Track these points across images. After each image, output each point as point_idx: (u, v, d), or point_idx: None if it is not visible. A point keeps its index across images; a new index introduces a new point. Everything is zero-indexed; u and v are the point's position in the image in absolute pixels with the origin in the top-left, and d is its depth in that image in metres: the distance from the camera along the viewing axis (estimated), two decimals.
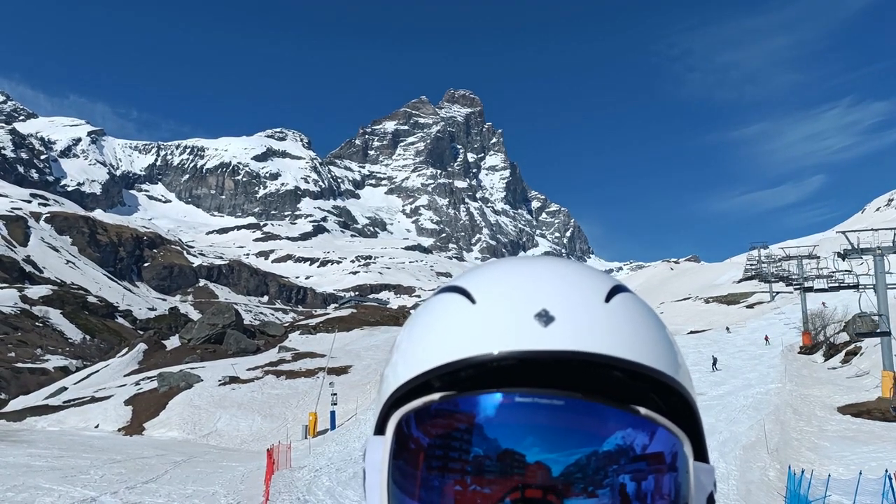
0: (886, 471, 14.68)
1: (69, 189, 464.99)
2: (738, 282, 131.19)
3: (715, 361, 45.94)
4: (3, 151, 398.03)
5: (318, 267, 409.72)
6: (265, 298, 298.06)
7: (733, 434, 25.37)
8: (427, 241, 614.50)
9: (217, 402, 51.23)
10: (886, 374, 33.64)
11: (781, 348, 53.18)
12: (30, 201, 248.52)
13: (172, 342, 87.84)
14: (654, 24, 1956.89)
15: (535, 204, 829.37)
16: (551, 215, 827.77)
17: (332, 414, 42.07)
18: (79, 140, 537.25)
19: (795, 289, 66.35)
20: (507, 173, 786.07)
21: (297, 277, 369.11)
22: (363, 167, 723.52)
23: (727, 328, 71.89)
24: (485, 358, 0.85)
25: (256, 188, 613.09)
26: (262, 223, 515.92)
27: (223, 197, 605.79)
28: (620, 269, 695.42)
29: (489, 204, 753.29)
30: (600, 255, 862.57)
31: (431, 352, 0.89)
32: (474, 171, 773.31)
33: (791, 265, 70.98)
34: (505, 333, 0.86)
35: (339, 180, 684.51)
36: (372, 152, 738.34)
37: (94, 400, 57.88)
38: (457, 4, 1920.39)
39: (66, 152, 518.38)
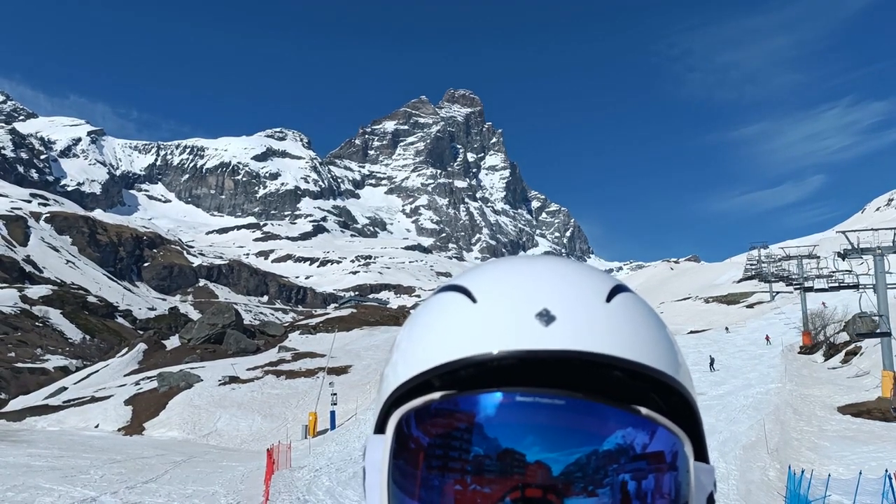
0: (886, 471, 14.67)
1: (69, 189, 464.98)
2: (738, 282, 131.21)
3: (712, 362, 45.96)
4: (3, 151, 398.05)
5: (318, 267, 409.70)
6: (265, 298, 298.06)
7: (733, 434, 25.37)
8: (427, 241, 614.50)
9: (217, 402, 51.24)
10: (886, 373, 33.64)
11: (781, 348, 53.20)
12: (30, 201, 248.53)
13: (172, 342, 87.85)
14: (654, 24, 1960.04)
15: (535, 204, 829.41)
16: (551, 215, 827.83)
17: (332, 414, 42.06)
18: (79, 140, 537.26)
19: (795, 289, 66.35)
20: (507, 173, 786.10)
21: (297, 277, 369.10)
22: (363, 167, 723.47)
23: (726, 328, 71.93)
24: (485, 357, 0.85)
25: (256, 188, 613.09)
26: (261, 223, 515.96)
27: (223, 197, 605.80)
28: (620, 269, 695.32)
29: (489, 204, 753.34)
30: (600, 255, 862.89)
31: (432, 351, 0.89)
32: (474, 170, 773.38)
33: (791, 265, 70.98)
34: (506, 333, 0.86)
35: (339, 180, 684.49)
36: (372, 152, 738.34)
37: (94, 400, 57.88)
38: (457, 4, 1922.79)
39: (66, 152, 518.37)
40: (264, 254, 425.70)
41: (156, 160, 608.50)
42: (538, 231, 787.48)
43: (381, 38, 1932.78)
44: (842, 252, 39.12)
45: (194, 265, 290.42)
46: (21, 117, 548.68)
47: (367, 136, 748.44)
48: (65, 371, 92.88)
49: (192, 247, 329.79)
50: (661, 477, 0.84)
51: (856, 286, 42.77)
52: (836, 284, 51.35)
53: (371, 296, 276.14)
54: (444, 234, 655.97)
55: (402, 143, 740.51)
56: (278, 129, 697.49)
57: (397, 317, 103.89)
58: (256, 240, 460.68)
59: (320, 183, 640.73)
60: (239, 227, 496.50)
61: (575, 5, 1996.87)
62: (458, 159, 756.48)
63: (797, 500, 15.24)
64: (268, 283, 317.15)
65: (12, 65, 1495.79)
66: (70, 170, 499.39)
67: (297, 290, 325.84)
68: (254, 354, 75.07)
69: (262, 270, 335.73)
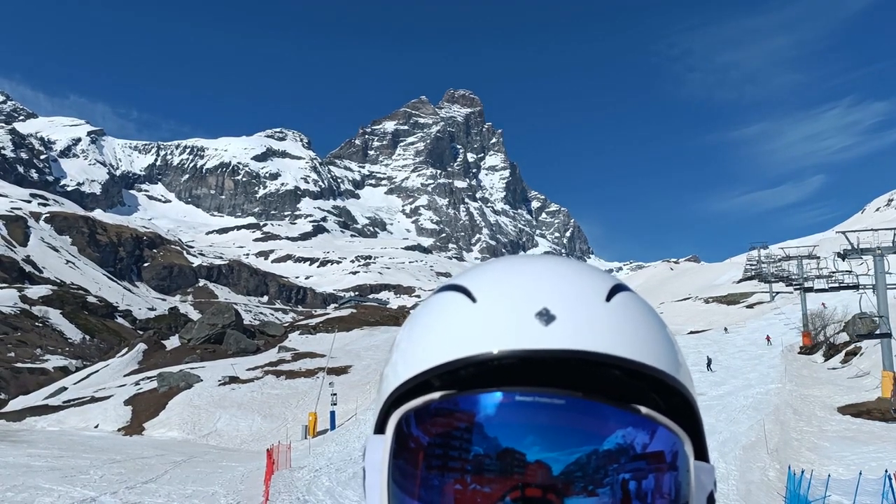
0: (886, 471, 14.67)
1: (69, 189, 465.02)
2: (738, 282, 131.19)
3: (709, 362, 45.96)
4: (3, 151, 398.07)
5: (318, 267, 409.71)
6: (265, 298, 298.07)
7: (733, 434, 25.37)
8: (427, 241, 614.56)
9: (217, 402, 51.23)
10: (886, 374, 33.63)
11: (781, 348, 53.20)
12: (30, 201, 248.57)
13: (172, 342, 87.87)
14: (654, 24, 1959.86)
15: (535, 204, 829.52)
16: (551, 215, 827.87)
17: (332, 414, 42.06)
18: (79, 140, 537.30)
19: (795, 289, 66.32)
20: (506, 173, 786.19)
21: (297, 277, 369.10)
22: (363, 167, 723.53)
23: (725, 328, 71.97)
24: (485, 357, 0.85)
25: (256, 188, 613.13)
26: (261, 223, 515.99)
27: (223, 197, 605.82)
28: (620, 269, 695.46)
29: (489, 204, 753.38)
30: (600, 255, 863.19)
31: (432, 351, 0.89)
32: (474, 171, 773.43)
33: (791, 265, 70.94)
34: (505, 332, 0.86)
35: (339, 180, 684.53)
36: (372, 152, 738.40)
37: (93, 400, 57.88)
38: (457, 4, 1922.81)
39: (66, 152, 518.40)
40: (264, 254, 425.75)
41: (156, 160, 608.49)
42: (538, 231, 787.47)
43: (381, 38, 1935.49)
44: (842, 252, 39.08)
45: (194, 265, 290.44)
46: (21, 117, 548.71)
47: (367, 136, 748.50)
48: (65, 371, 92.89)
49: (192, 247, 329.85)
50: (662, 476, 0.85)
51: (856, 286, 42.74)
52: (836, 285, 51.27)
53: (371, 296, 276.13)
54: (444, 235, 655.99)
55: (402, 144, 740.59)
56: (278, 130, 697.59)
57: (397, 317, 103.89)
58: (256, 240, 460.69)
59: (320, 183, 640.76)
60: (239, 228, 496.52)
61: (575, 5, 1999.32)
62: (458, 159, 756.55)
63: (797, 500, 15.23)
64: (268, 283, 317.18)
65: (12, 65, 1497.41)
66: (70, 170, 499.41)
67: (297, 291, 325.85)
68: (254, 354, 75.08)
69: (262, 270, 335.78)
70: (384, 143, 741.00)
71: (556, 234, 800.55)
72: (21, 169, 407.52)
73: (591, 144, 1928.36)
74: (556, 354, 0.83)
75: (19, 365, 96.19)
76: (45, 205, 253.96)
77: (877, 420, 28.98)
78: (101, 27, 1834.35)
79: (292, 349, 73.57)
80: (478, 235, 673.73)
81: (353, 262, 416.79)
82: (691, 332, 75.42)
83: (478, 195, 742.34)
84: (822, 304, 63.85)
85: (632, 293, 0.95)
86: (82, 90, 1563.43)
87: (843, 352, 46.79)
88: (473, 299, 0.91)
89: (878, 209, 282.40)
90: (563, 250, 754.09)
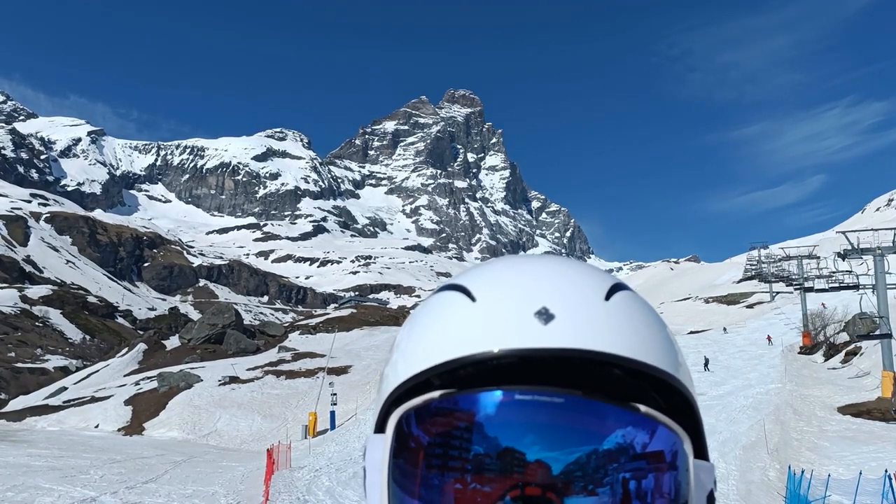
0: (886, 471, 14.67)
1: (69, 189, 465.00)
2: (738, 282, 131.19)
3: (707, 362, 45.97)
4: (3, 151, 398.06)
5: (318, 267, 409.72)
6: (265, 298, 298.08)
7: (733, 434, 25.37)
8: (427, 241, 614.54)
9: (217, 402, 51.23)
10: (886, 374, 33.63)
11: (781, 348, 53.23)
12: (30, 201, 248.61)
13: (172, 342, 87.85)
14: (654, 24, 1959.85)
15: (535, 204, 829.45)
16: (551, 215, 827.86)
17: (332, 414, 42.06)
18: (79, 140, 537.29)
19: (795, 289, 66.32)
20: (507, 173, 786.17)
21: (297, 277, 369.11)
22: (363, 167, 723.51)
23: (724, 329, 72.01)
24: (485, 356, 0.85)
25: (256, 188, 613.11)
26: (262, 223, 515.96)
27: (223, 197, 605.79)
28: (620, 269, 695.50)
29: (489, 204, 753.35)
30: (600, 255, 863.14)
31: (431, 350, 0.89)
32: (474, 171, 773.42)
33: (791, 265, 70.97)
34: (505, 331, 0.86)
35: (339, 180, 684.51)
36: (372, 152, 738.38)
37: (94, 400, 57.89)
38: (457, 4, 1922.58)
39: (66, 152, 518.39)
40: (264, 254, 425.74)
41: (156, 160, 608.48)
42: (538, 231, 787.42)
43: (381, 38, 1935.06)
44: (842, 252, 39.08)
45: (194, 265, 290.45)
46: (21, 117, 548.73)
47: (367, 136, 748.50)
48: (65, 371, 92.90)
49: (192, 247, 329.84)
50: (661, 475, 0.85)
51: (856, 287, 42.75)
52: (837, 285, 51.30)
53: (371, 296, 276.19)
54: (444, 235, 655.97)
55: (402, 144, 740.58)
56: (278, 129, 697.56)
57: (397, 317, 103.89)
58: (256, 240, 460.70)
59: (320, 183, 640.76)
60: (239, 228, 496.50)
61: (575, 5, 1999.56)
62: (458, 159, 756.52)
63: (797, 500, 15.24)
64: (268, 283, 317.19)
65: (12, 65, 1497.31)
66: (70, 170, 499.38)
67: (297, 291, 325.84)
68: (254, 354, 75.08)
69: (262, 270, 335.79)
70: (384, 143, 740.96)
71: (556, 234, 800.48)
72: (21, 169, 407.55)
73: (591, 144, 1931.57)
74: (555, 353, 0.84)
75: (19, 365, 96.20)
76: (45, 205, 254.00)
77: (877, 420, 28.98)
78: (101, 27, 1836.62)
79: (292, 349, 73.57)
80: (478, 235, 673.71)
81: (353, 262, 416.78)
82: (691, 332, 75.43)
83: (478, 195, 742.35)
84: (822, 304, 63.86)
85: (631, 292, 0.95)
86: (82, 90, 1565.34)
87: (843, 352, 46.79)
88: (473, 299, 0.92)
89: (878, 209, 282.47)
90: (563, 250, 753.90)
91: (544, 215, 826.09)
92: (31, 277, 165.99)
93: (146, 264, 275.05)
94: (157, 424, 48.87)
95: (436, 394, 0.87)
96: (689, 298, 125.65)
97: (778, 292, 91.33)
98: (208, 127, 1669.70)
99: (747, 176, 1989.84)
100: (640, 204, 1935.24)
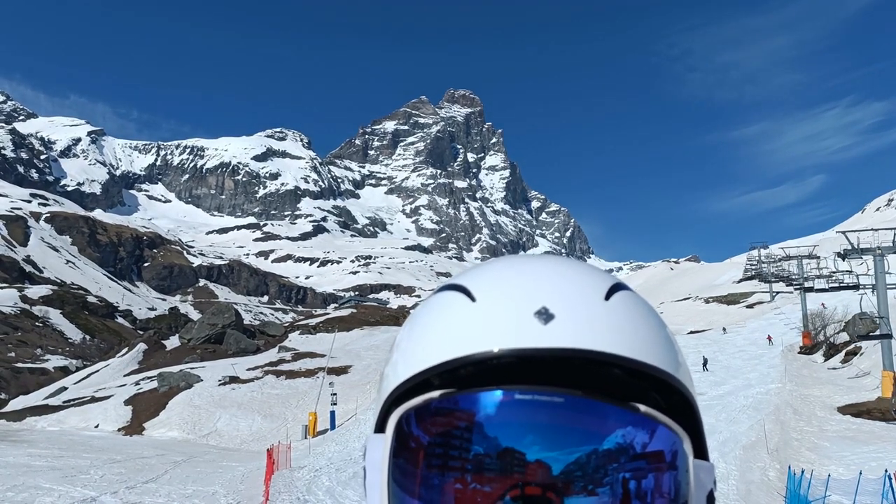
0: (886, 471, 14.67)
1: (69, 189, 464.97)
2: (738, 282, 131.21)
3: (705, 362, 45.96)
4: (3, 151, 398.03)
5: (318, 267, 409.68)
6: (265, 298, 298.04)
7: (733, 434, 25.38)
8: (427, 241, 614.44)
9: (217, 402, 51.23)
10: (886, 374, 33.64)
11: (781, 348, 53.24)
12: (30, 201, 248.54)
13: (172, 342, 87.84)
14: (654, 24, 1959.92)
15: (535, 204, 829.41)
16: (551, 215, 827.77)
17: (332, 414, 42.07)
18: (79, 140, 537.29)
19: (795, 289, 66.33)
20: (507, 173, 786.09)
21: (297, 277, 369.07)
22: (363, 167, 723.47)
23: (723, 329, 72.03)
24: (485, 356, 0.85)
25: (256, 188, 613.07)
26: (262, 223, 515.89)
27: (223, 197, 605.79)
28: (620, 269, 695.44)
29: (489, 204, 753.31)
30: (600, 255, 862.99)
31: (431, 350, 0.89)
32: (474, 171, 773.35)
33: (791, 265, 70.99)
34: (505, 331, 0.86)
35: (339, 180, 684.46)
36: (372, 152, 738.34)
37: (94, 400, 57.89)
38: (457, 4, 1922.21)
39: (66, 152, 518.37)
40: (264, 254, 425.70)
41: (156, 160, 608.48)
42: (538, 231, 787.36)
43: (381, 38, 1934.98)
44: (842, 252, 39.09)
45: (194, 265, 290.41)
46: (21, 117, 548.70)
47: (367, 136, 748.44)
48: (65, 371, 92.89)
49: (192, 247, 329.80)
50: (661, 475, 0.85)
51: (856, 287, 42.76)
52: (837, 285, 51.32)
53: (371, 296, 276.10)
54: (444, 234, 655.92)
55: (402, 143, 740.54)
56: (278, 129, 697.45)
57: (397, 317, 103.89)
58: (256, 240, 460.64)
59: (320, 183, 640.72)
60: (239, 227, 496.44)
61: (575, 5, 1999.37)
62: (458, 159, 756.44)
63: (797, 500, 15.24)
64: (268, 283, 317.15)
65: (12, 65, 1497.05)
66: (70, 170, 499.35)
67: (297, 290, 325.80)
68: (254, 354, 75.06)
69: (262, 270, 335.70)
70: (384, 143, 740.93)
71: (556, 234, 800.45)
72: (21, 169, 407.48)
73: (591, 144, 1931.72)
74: (555, 353, 0.84)
75: (19, 365, 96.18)
76: (45, 205, 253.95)
77: (877, 420, 28.99)
78: (101, 27, 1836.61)
79: (292, 349, 73.57)
80: (478, 235, 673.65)
81: (353, 262, 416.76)
82: (691, 332, 75.45)
83: (478, 195, 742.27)
84: (822, 304, 63.86)
85: (631, 292, 0.95)
86: (82, 90, 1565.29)
87: (843, 352, 46.80)
88: (473, 299, 0.92)
89: (878, 209, 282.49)
90: (563, 250, 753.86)
91: (544, 215, 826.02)
92: (31, 277, 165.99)
93: (146, 264, 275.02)
94: (157, 424, 48.87)
95: (436, 393, 0.87)
96: (689, 298, 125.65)
97: (778, 292, 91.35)
98: (208, 127, 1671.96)
99: (747, 176, 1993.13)
100: (640, 204, 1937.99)
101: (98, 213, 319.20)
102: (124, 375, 71.54)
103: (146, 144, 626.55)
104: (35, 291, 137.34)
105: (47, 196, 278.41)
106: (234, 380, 57.59)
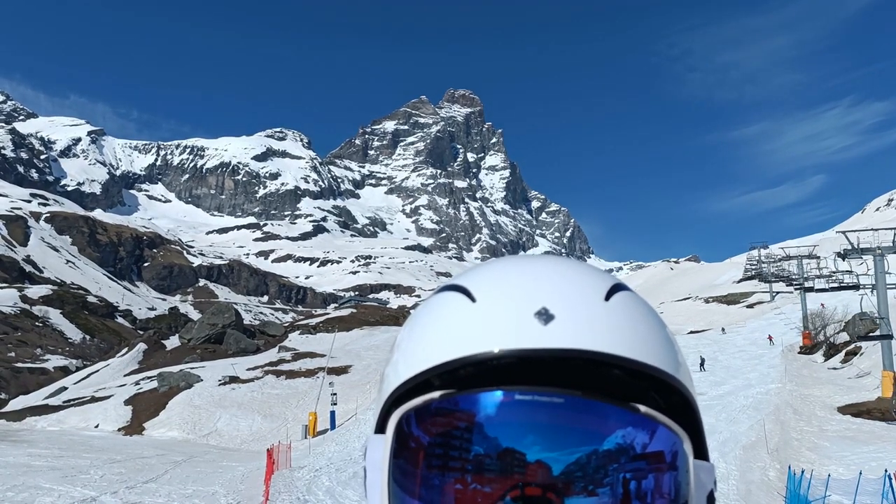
0: (886, 471, 14.67)
1: (69, 189, 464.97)
2: (738, 282, 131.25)
3: (703, 362, 45.96)
4: (3, 151, 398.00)
5: (318, 267, 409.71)
6: (265, 298, 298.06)
7: (733, 434, 25.38)
8: (427, 241, 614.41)
9: (217, 402, 51.23)
10: (886, 374, 33.63)
11: (781, 348, 53.25)
12: (30, 201, 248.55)
13: (172, 342, 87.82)
14: (654, 24, 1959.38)
15: (535, 204, 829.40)
16: (551, 215, 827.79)
17: (332, 414, 42.07)
18: (79, 140, 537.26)
19: (795, 289, 66.35)
20: (507, 173, 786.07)
21: (297, 277, 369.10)
22: (363, 167, 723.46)
23: (723, 329, 72.05)
24: (485, 356, 0.85)
25: (256, 188, 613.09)
26: (261, 223, 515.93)
27: (223, 197, 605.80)
28: (620, 269, 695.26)
29: (489, 204, 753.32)
30: (600, 255, 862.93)
31: (432, 350, 0.89)
32: (474, 170, 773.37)
33: (791, 265, 71.02)
34: (505, 332, 0.86)
35: (339, 180, 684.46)
36: (372, 152, 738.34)
37: (94, 400, 57.88)
38: (457, 4, 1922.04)
39: (66, 152, 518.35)
40: (264, 254, 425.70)
41: (156, 160, 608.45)
42: (538, 231, 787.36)
43: (381, 38, 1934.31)
44: (842, 252, 39.08)
45: (194, 265, 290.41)
46: (21, 117, 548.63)
47: (367, 136, 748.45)
48: (65, 371, 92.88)
49: (192, 247, 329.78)
50: (661, 475, 0.85)
51: (856, 287, 42.75)
52: (837, 285, 51.31)
53: (371, 296, 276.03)
54: (444, 234, 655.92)
55: (402, 143, 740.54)
56: (278, 129, 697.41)
57: (397, 317, 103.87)
58: (256, 240, 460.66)
59: (320, 183, 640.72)
60: (239, 227, 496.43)
61: (575, 5, 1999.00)
62: (458, 159, 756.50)
63: (797, 500, 15.24)
64: (268, 283, 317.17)
65: (12, 65, 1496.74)
66: (70, 170, 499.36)
67: (297, 290, 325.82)
68: (254, 354, 75.06)
69: (262, 270, 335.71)
70: (384, 142, 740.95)
71: (556, 234, 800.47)
72: (21, 169, 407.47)
73: (591, 144, 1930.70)
74: (555, 353, 0.84)
75: (19, 365, 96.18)
76: (45, 205, 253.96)
77: (877, 420, 29.00)
78: (101, 27, 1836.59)
79: (292, 349, 73.55)
80: (478, 235, 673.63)
81: (353, 261, 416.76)
82: (691, 332, 75.45)
83: (478, 195, 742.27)
84: (822, 304, 63.86)
85: (631, 292, 0.95)
86: (82, 90, 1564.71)
87: (843, 352, 46.81)
88: (473, 299, 0.92)
89: (878, 209, 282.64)
90: (563, 250, 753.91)
91: (544, 215, 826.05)
92: (31, 277, 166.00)
93: (146, 264, 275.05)
94: (157, 424, 48.86)
95: (436, 394, 0.87)
96: (689, 298, 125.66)
97: (778, 292, 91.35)
98: (208, 127, 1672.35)
99: (747, 176, 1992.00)
100: (640, 204, 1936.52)
101: (98, 213, 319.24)
102: (124, 375, 71.53)
103: (146, 144, 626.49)
104: (35, 291, 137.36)
105: (47, 196, 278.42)
106: (234, 380, 57.59)
